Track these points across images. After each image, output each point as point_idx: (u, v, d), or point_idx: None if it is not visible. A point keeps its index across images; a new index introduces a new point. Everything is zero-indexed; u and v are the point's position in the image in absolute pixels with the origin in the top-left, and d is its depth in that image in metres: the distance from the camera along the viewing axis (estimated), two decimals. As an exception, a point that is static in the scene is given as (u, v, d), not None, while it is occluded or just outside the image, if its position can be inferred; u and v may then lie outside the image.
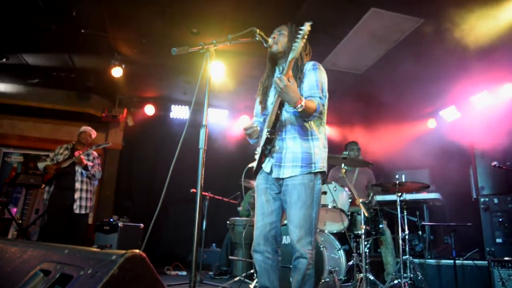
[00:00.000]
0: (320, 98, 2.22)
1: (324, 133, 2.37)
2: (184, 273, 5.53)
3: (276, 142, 2.29)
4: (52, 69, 6.17)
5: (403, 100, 6.26)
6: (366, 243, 3.54)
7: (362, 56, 5.33)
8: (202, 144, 1.96)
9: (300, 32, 2.00)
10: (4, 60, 5.72)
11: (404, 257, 3.73)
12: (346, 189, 3.84)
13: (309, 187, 2.19)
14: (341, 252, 3.70)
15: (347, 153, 4.63)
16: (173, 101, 7.24)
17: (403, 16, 4.31)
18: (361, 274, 3.45)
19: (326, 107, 2.30)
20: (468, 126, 5.96)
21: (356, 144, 4.81)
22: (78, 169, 4.68)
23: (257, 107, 2.55)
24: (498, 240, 4.60)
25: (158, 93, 7.17)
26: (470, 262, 4.22)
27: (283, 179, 2.25)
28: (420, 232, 5.18)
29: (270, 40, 2.31)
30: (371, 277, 3.57)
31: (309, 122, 2.27)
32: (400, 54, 5.03)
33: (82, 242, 4.61)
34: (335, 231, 3.89)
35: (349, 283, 3.74)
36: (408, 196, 4.72)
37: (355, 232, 3.76)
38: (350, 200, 3.83)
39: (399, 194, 3.86)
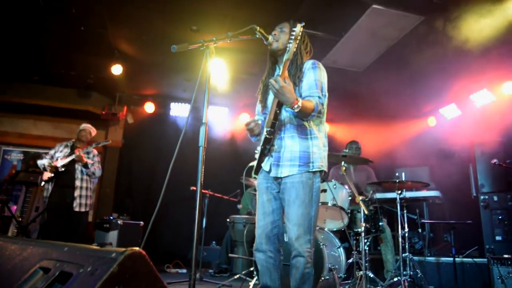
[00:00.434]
0: (319, 97, 2.22)
1: (324, 131, 2.37)
2: (184, 270, 5.53)
3: (275, 141, 2.29)
4: (51, 66, 6.17)
5: (403, 98, 6.26)
6: (366, 240, 3.54)
7: (363, 54, 5.32)
8: (202, 142, 1.96)
9: (293, 33, 2.01)
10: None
11: (403, 255, 3.73)
12: (346, 187, 3.84)
13: (307, 185, 2.19)
14: (341, 250, 3.70)
15: (347, 151, 4.64)
16: (173, 98, 7.23)
17: (403, 13, 4.30)
18: (361, 272, 3.45)
19: (325, 106, 2.29)
20: (468, 124, 5.96)
21: (357, 143, 4.82)
22: (78, 167, 4.67)
23: (258, 106, 2.54)
24: (498, 238, 4.60)
25: (158, 90, 7.17)
26: (469, 259, 4.23)
27: (281, 178, 2.25)
28: (419, 230, 5.19)
29: (270, 38, 2.30)
30: (371, 275, 3.57)
31: (309, 121, 2.27)
32: (400, 52, 5.03)
33: (82, 240, 4.62)
34: (335, 229, 3.90)
35: (349, 281, 3.75)
36: (408, 194, 4.73)
37: (355, 230, 3.77)
38: (350, 198, 3.84)
39: (399, 192, 3.86)
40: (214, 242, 6.47)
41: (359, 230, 3.59)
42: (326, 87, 2.32)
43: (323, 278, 3.34)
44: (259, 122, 2.38)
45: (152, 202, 5.47)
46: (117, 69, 5.65)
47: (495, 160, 4.54)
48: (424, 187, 4.18)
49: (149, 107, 7.20)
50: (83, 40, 5.23)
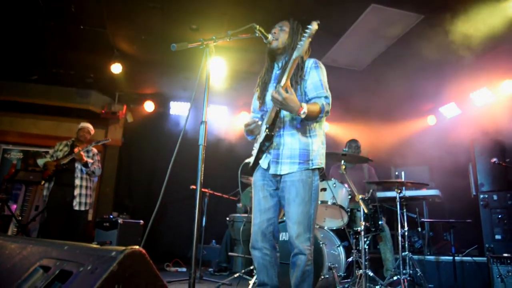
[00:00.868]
0: (326, 97, 2.23)
1: (323, 129, 2.38)
2: (184, 269, 5.54)
3: (274, 138, 2.29)
4: (51, 65, 6.16)
5: (403, 97, 6.26)
6: (365, 239, 3.54)
7: (362, 53, 5.32)
8: (201, 140, 1.96)
9: (307, 31, 1.99)
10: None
11: (403, 254, 3.73)
12: (346, 185, 3.84)
13: (307, 184, 2.19)
14: (341, 249, 3.70)
15: (346, 149, 4.63)
16: (172, 97, 7.23)
17: (403, 12, 4.30)
18: (361, 271, 3.45)
19: (330, 105, 2.29)
20: (468, 122, 5.96)
21: (356, 142, 4.82)
22: (78, 165, 4.67)
23: (255, 103, 2.53)
24: (497, 237, 4.60)
25: (157, 89, 7.16)
26: (469, 258, 4.23)
27: (281, 175, 2.25)
28: (419, 229, 5.19)
29: (270, 36, 2.30)
30: (371, 274, 3.57)
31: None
32: (400, 51, 5.02)
33: (82, 239, 4.62)
34: (334, 228, 3.90)
35: (349, 280, 3.75)
36: (407, 193, 4.73)
37: (354, 229, 3.77)
38: (349, 196, 3.84)
39: (399, 190, 3.86)
40: (214, 240, 6.48)
41: (359, 229, 3.59)
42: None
43: (322, 277, 3.34)
44: (260, 122, 2.38)
45: (152, 201, 5.46)
46: (116, 68, 5.65)
47: (495, 159, 4.54)
48: (424, 186, 4.18)
49: (149, 106, 7.19)
50: (83, 39, 5.22)
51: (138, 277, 1.06)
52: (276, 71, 2.43)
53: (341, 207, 3.72)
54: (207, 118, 2.00)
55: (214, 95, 6.76)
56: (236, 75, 6.04)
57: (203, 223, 5.14)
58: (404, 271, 3.68)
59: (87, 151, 4.79)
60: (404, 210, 4.06)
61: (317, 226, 3.91)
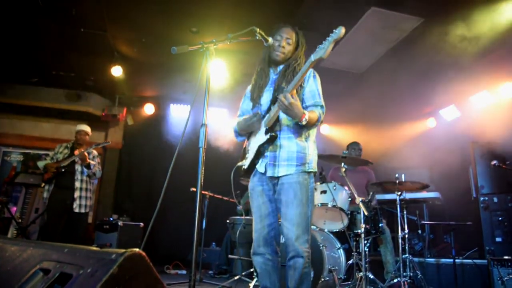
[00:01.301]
0: (322, 106, 2.30)
1: (315, 135, 2.43)
2: (184, 272, 5.53)
3: None
4: (51, 68, 6.17)
5: (403, 99, 6.26)
6: (365, 242, 3.53)
7: (362, 56, 5.33)
8: (202, 143, 1.95)
9: (332, 35, 2.00)
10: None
11: (403, 256, 3.73)
12: (346, 188, 3.84)
13: (304, 186, 2.21)
14: (341, 251, 3.70)
15: (347, 152, 4.63)
16: (173, 100, 7.24)
17: (403, 15, 4.31)
18: (361, 273, 3.44)
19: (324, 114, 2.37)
20: (467, 125, 5.97)
21: (358, 144, 4.82)
22: (78, 168, 4.67)
23: (247, 103, 2.54)
24: (498, 239, 4.60)
25: (157, 92, 7.17)
26: (469, 261, 4.23)
27: (278, 177, 2.25)
28: (419, 231, 5.19)
29: (270, 40, 2.30)
30: (371, 276, 3.57)
31: None
32: (400, 54, 5.03)
33: (82, 241, 4.62)
34: (335, 230, 3.89)
35: (349, 282, 3.75)
36: (407, 195, 4.73)
37: (354, 231, 3.76)
38: (349, 199, 3.84)
39: (399, 193, 3.86)
40: (214, 243, 6.47)
41: (359, 231, 3.58)
42: None
43: (323, 279, 3.33)
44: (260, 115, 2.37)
45: (152, 203, 5.47)
46: (117, 71, 5.66)
47: (495, 162, 4.54)
48: (424, 188, 4.18)
49: (149, 109, 7.20)
50: (83, 41, 5.23)
51: (138, 280, 1.06)
52: (273, 76, 2.44)
53: (341, 209, 3.71)
54: (207, 121, 2.00)
55: (214, 97, 6.76)
56: (236, 78, 6.05)
57: (203, 226, 5.14)
58: (404, 274, 3.67)
59: (88, 153, 4.78)
60: (405, 213, 4.06)
61: (317, 229, 3.91)
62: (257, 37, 2.25)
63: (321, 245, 3.45)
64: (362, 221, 3.53)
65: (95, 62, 5.86)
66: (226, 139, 7.16)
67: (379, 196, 5.04)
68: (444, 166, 5.72)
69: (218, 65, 5.48)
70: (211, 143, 6.48)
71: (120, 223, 5.09)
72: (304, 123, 2.13)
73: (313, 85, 2.34)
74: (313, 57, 2.05)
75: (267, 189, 2.31)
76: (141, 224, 5.34)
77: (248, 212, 5.70)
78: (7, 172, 6.91)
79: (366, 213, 3.50)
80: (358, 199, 3.43)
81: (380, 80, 5.72)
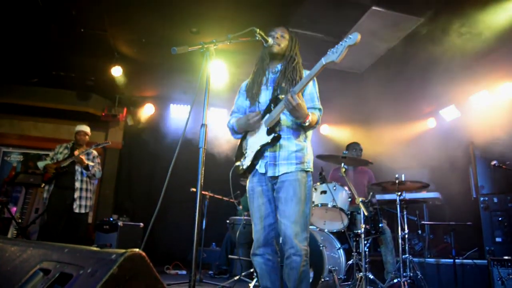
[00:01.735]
0: (319, 110, 2.36)
1: (310, 136, 2.46)
2: (184, 272, 5.53)
3: None
4: (51, 68, 6.17)
5: (403, 99, 6.26)
6: (365, 242, 3.54)
7: (362, 56, 5.33)
8: (202, 143, 1.95)
9: (347, 40, 1.92)
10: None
11: (403, 256, 3.73)
12: (346, 188, 3.84)
13: (302, 184, 2.23)
14: (341, 251, 3.70)
15: (347, 152, 4.63)
16: (173, 100, 7.24)
17: (403, 15, 4.31)
18: (361, 273, 3.45)
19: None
20: (467, 125, 5.96)
21: (358, 144, 4.82)
22: (78, 168, 4.67)
23: (242, 100, 2.54)
24: (498, 239, 4.60)
25: (158, 92, 7.18)
26: (469, 261, 4.23)
27: (277, 176, 2.26)
28: (419, 231, 5.19)
29: (270, 40, 2.32)
30: (371, 276, 3.57)
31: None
32: (400, 54, 5.03)
33: (82, 241, 4.61)
34: (335, 230, 3.89)
35: (349, 282, 3.75)
36: (408, 195, 4.73)
37: (354, 231, 3.76)
38: (349, 199, 3.84)
39: (399, 193, 3.86)
40: (214, 243, 6.47)
41: (359, 231, 3.58)
42: None
43: (323, 280, 3.33)
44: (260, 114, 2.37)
45: (152, 203, 5.46)
46: (117, 71, 5.66)
47: (495, 162, 4.54)
48: (424, 188, 4.18)
49: (149, 109, 7.20)
50: (83, 42, 5.23)
51: (138, 280, 1.06)
52: (269, 75, 2.43)
53: (341, 209, 3.71)
54: (207, 121, 2.00)
55: (214, 98, 6.76)
56: (236, 78, 6.05)
57: (203, 226, 5.14)
58: (404, 274, 3.67)
59: (87, 154, 4.79)
60: (405, 213, 4.06)
61: (317, 229, 3.91)
62: (257, 38, 2.25)
63: (321, 245, 3.45)
64: (362, 221, 3.53)
65: (95, 62, 5.86)
66: (226, 140, 7.16)
67: (379, 196, 5.04)
68: (444, 166, 5.72)
69: (218, 66, 5.49)
70: (211, 143, 6.48)
71: (120, 223, 5.09)
72: (307, 124, 2.18)
73: (312, 89, 2.39)
74: (324, 60, 2.02)
75: (266, 189, 2.32)
76: (141, 224, 5.33)
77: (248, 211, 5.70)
78: (7, 172, 6.92)
79: (366, 213, 3.51)
80: (358, 199, 3.43)
81: (380, 80, 5.72)
